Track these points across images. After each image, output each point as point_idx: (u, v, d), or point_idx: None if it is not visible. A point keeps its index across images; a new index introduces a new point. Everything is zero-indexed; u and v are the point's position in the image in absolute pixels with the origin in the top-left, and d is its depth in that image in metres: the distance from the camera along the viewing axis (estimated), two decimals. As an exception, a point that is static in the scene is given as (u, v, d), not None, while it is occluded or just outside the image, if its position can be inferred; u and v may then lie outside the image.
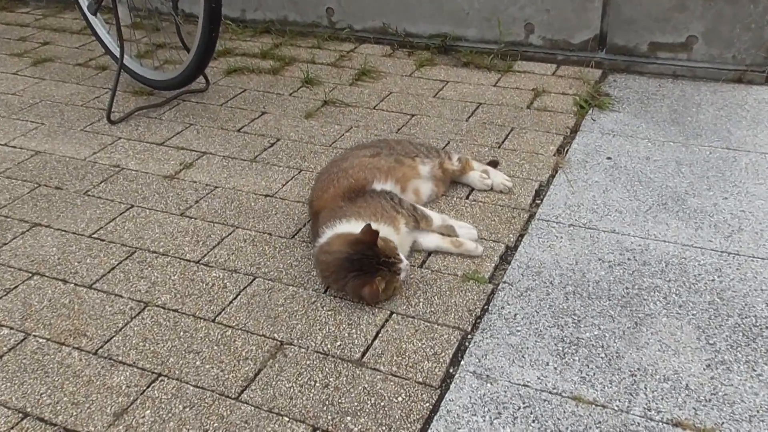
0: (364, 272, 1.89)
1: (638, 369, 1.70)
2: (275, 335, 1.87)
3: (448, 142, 2.80)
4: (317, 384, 1.71)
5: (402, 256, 1.95)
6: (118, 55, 3.24)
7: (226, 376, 1.75)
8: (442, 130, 2.90)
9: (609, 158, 2.63)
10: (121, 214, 2.45)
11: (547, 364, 1.73)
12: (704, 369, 1.70)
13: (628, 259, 2.08)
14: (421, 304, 1.95)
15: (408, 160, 2.34)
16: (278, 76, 3.55)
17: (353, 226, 1.97)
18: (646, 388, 1.65)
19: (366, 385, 1.70)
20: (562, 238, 2.20)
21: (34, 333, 1.92)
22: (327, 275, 1.98)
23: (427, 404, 1.65)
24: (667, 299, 1.92)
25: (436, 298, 1.97)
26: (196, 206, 2.48)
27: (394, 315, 1.91)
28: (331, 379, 1.72)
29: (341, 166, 2.23)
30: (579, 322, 1.85)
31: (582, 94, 3.13)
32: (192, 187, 2.60)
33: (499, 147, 2.74)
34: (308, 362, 1.78)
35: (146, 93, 3.40)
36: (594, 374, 1.69)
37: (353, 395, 1.67)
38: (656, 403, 1.61)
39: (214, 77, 3.55)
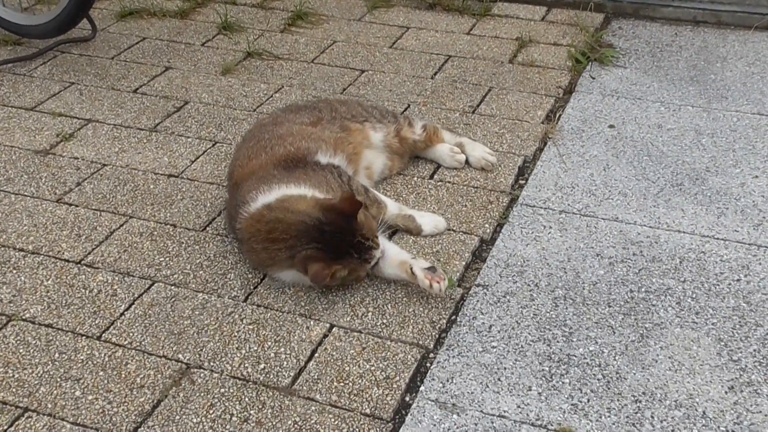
0: (329, 251, 1.90)
1: (644, 393, 1.73)
2: (180, 356, 1.86)
3: (408, 106, 2.80)
4: (234, 418, 1.70)
5: (379, 240, 1.96)
6: (-28, -10, 3.18)
7: (115, 409, 1.73)
8: (400, 90, 2.90)
9: (611, 126, 2.67)
10: (-24, 200, 2.41)
11: (530, 388, 1.75)
12: (726, 392, 1.73)
13: (634, 254, 2.12)
14: (369, 314, 1.96)
15: (355, 125, 2.35)
16: (188, 21, 3.51)
17: (294, 192, 1.99)
18: (653, 417, 1.68)
19: (297, 419, 1.70)
20: (551, 228, 2.22)
21: None
22: (273, 238, 1.95)
23: (377, 442, 1.66)
24: (681, 305, 1.96)
25: (389, 306, 1.98)
26: (78, 190, 2.44)
27: (334, 329, 1.92)
28: (252, 412, 1.72)
29: (276, 132, 2.23)
30: (571, 335, 1.88)
31: (578, 44, 3.16)
32: (72, 164, 2.57)
33: (473, 112, 2.76)
34: (222, 390, 1.77)
35: (11, 42, 3.34)
36: (588, 400, 1.72)
37: (281, 432, 1.68)
38: (665, 436, 1.65)
39: (102, 22, 3.49)
